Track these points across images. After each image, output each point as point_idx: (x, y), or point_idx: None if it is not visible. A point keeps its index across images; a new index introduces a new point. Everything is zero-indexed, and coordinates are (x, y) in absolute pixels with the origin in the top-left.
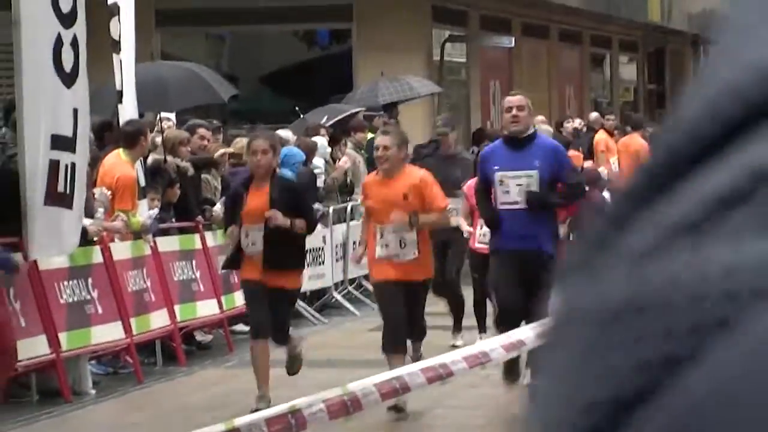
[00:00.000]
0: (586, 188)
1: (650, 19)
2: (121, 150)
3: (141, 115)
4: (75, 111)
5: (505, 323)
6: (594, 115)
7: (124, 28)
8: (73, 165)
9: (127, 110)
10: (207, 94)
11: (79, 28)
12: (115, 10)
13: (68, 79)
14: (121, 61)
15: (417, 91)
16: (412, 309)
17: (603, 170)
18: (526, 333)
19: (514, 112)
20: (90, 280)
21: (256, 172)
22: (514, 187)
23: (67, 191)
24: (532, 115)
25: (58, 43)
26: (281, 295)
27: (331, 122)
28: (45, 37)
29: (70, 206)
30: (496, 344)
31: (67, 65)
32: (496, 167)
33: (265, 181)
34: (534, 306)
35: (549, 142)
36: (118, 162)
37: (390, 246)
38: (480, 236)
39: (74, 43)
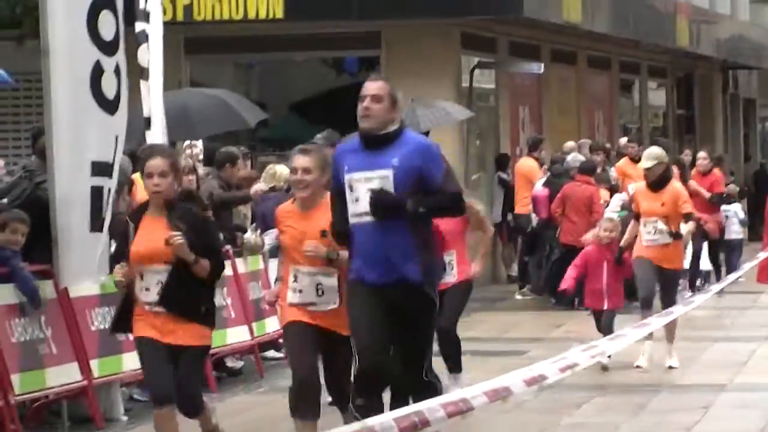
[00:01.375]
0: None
1: (679, 45)
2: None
3: (172, 144)
4: (116, 138)
5: (362, 392)
6: (623, 140)
7: (153, 55)
8: (109, 190)
9: (155, 137)
10: (233, 120)
11: (121, 56)
12: (142, 38)
13: (111, 106)
14: (149, 87)
15: (454, 117)
16: (330, 365)
17: (623, 196)
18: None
19: (366, 102)
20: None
21: (151, 199)
22: (365, 193)
23: (106, 217)
24: (398, 109)
25: (97, 70)
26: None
27: None
28: (82, 66)
29: (101, 230)
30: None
31: (110, 93)
32: (346, 168)
33: (162, 209)
34: (407, 364)
35: (419, 140)
36: (140, 184)
37: (304, 292)
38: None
39: (117, 71)
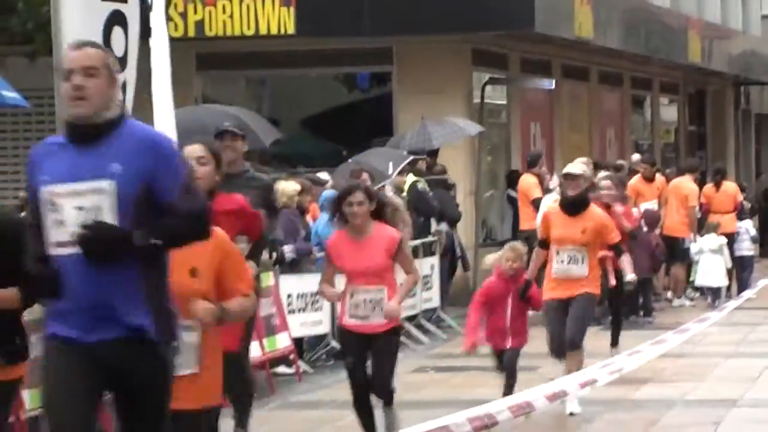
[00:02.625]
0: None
1: (691, 61)
2: None
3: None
4: None
5: None
6: (636, 157)
7: (157, 69)
8: None
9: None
10: (249, 139)
11: (130, 72)
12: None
13: None
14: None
15: (466, 131)
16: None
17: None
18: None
19: (77, 80)
20: None
21: None
22: (71, 213)
23: None
24: (118, 86)
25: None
26: None
27: (397, 170)
28: None
29: None
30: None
31: None
32: (44, 178)
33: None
34: None
35: (146, 132)
36: None
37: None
38: (351, 308)
39: (123, 88)
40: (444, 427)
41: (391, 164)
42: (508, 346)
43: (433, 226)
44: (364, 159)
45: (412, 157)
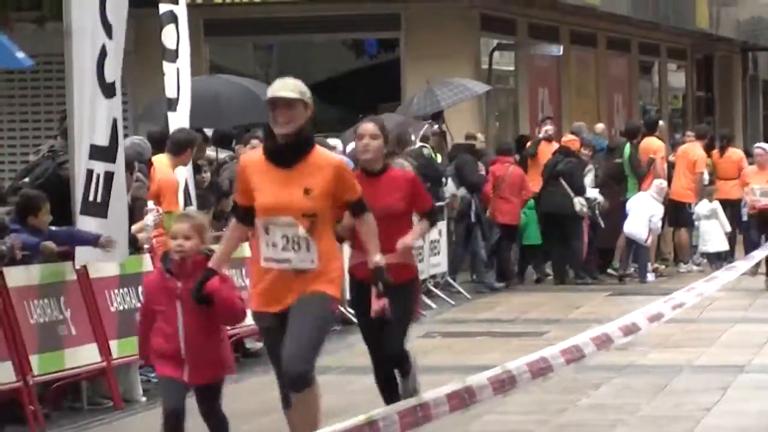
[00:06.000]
0: None
1: (698, 27)
2: (164, 155)
3: (199, 130)
4: (114, 121)
5: None
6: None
7: (182, 36)
8: (111, 174)
9: (180, 119)
10: (261, 112)
11: (120, 39)
12: (167, 20)
13: (108, 89)
14: (178, 69)
15: (473, 90)
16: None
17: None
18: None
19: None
20: (140, 289)
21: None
22: None
23: (99, 200)
24: None
25: (102, 54)
26: None
27: (419, 136)
28: (92, 48)
29: (104, 215)
30: (586, 337)
31: (109, 76)
32: None
33: None
34: None
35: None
36: (158, 166)
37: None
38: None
39: (116, 55)
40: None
41: (410, 130)
42: (184, 380)
43: (452, 190)
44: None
45: (427, 124)
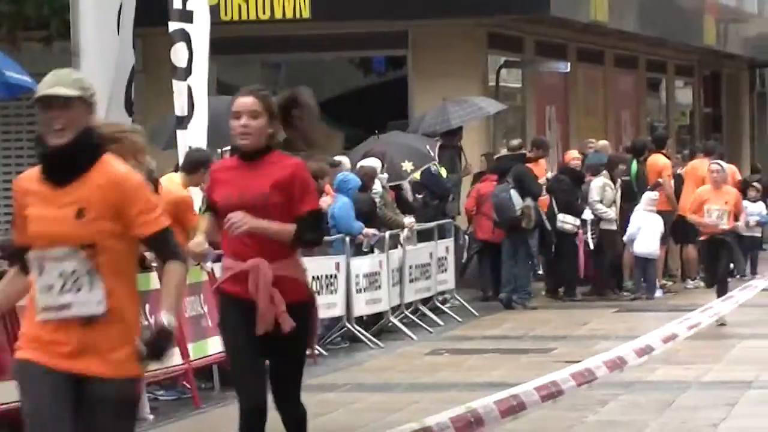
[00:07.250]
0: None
1: (706, 43)
2: (176, 174)
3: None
4: None
5: None
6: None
7: (197, 53)
8: None
9: (193, 137)
10: None
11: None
12: (177, 37)
13: (131, 108)
14: (189, 86)
15: (486, 110)
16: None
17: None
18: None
19: None
20: (147, 306)
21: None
22: None
23: None
24: None
25: (131, 74)
26: None
27: (434, 152)
28: (110, 67)
29: None
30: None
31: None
32: None
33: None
34: None
35: None
36: (167, 185)
37: None
38: None
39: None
40: (513, 395)
41: (427, 146)
42: None
43: (519, 203)
44: (390, 139)
45: (440, 142)
